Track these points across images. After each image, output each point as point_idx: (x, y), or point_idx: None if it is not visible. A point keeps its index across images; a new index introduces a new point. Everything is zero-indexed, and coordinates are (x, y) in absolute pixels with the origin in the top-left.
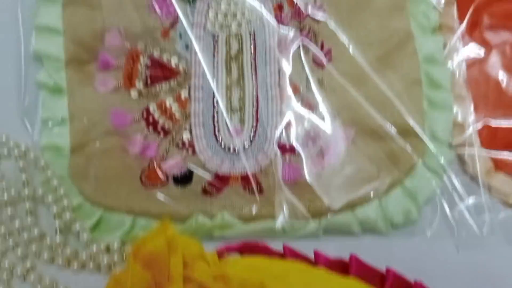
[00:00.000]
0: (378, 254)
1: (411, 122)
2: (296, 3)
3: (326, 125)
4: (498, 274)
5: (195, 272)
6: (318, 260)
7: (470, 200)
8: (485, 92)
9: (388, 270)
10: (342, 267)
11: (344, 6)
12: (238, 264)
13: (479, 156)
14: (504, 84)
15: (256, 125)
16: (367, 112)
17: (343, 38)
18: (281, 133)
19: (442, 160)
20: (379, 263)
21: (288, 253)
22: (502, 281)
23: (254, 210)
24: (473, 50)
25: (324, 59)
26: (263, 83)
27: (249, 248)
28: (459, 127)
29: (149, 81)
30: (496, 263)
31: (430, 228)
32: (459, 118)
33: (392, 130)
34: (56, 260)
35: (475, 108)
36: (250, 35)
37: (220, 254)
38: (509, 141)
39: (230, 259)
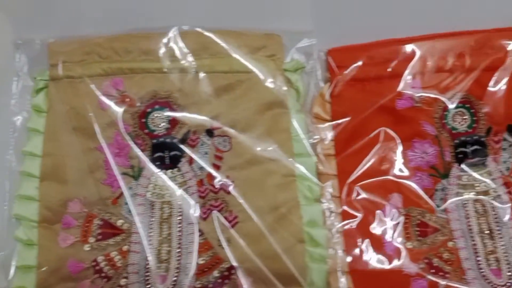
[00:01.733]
0: None
1: (296, 273)
2: (213, 184)
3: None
4: None
5: None
6: None
7: None
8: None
9: None
10: None
11: (249, 181)
12: None
13: None
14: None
15: (178, 274)
16: (262, 264)
17: (247, 207)
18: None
19: None
20: None
21: None
22: None
23: None
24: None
25: (231, 223)
26: (186, 241)
27: None
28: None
29: (99, 237)
30: None
31: None
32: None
33: (278, 280)
34: None
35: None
36: (178, 203)
37: None
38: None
39: None
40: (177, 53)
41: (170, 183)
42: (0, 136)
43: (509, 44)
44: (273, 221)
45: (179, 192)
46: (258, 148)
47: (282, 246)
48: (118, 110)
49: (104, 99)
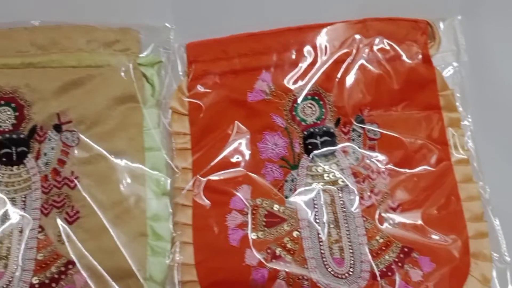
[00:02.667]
0: None
1: (133, 267)
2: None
3: None
4: None
5: None
6: None
7: None
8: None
9: None
10: None
11: (94, 176)
12: None
13: None
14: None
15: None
16: (96, 259)
17: (90, 201)
18: None
19: None
20: None
21: None
22: None
23: None
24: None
25: (72, 218)
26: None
27: None
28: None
29: None
30: None
31: None
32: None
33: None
34: None
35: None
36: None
37: None
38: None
39: None
40: (25, 48)
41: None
42: None
43: (357, 37)
44: (116, 215)
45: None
46: (107, 143)
47: (123, 240)
48: None
49: None
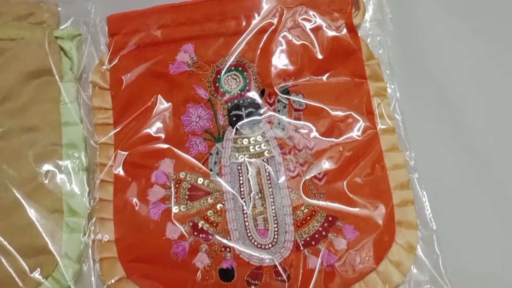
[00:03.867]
0: None
1: (48, 243)
2: None
3: None
4: None
5: None
6: None
7: None
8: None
9: None
10: None
11: (6, 152)
12: None
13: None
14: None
15: None
16: (7, 238)
17: (2, 177)
18: None
19: (69, 273)
20: None
21: None
22: None
23: None
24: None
25: None
26: None
27: None
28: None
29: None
30: None
31: None
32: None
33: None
34: None
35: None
36: None
37: None
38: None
39: None
40: None
41: None
42: None
43: (280, 7)
44: (29, 191)
45: None
46: (20, 119)
47: (37, 216)
48: None
49: None
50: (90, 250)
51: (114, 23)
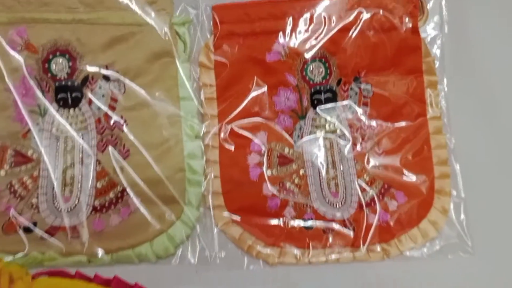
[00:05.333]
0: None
1: (176, 195)
2: (109, 122)
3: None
4: None
5: (16, 286)
6: (96, 280)
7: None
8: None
9: (114, 277)
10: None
11: (139, 121)
12: (44, 282)
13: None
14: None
15: (79, 195)
16: (147, 188)
17: (137, 142)
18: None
19: (192, 216)
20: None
21: (79, 276)
22: None
23: (71, 249)
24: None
25: (124, 155)
26: (86, 170)
27: (55, 273)
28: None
29: (13, 165)
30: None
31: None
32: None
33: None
34: None
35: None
36: (80, 137)
37: (35, 276)
38: (241, 206)
39: (40, 279)
40: (74, 5)
41: (64, 122)
42: None
43: (360, 9)
44: (159, 154)
45: (74, 130)
46: (146, 93)
47: (165, 174)
48: (22, 56)
49: (9, 46)
50: (205, 200)
51: (219, 12)
